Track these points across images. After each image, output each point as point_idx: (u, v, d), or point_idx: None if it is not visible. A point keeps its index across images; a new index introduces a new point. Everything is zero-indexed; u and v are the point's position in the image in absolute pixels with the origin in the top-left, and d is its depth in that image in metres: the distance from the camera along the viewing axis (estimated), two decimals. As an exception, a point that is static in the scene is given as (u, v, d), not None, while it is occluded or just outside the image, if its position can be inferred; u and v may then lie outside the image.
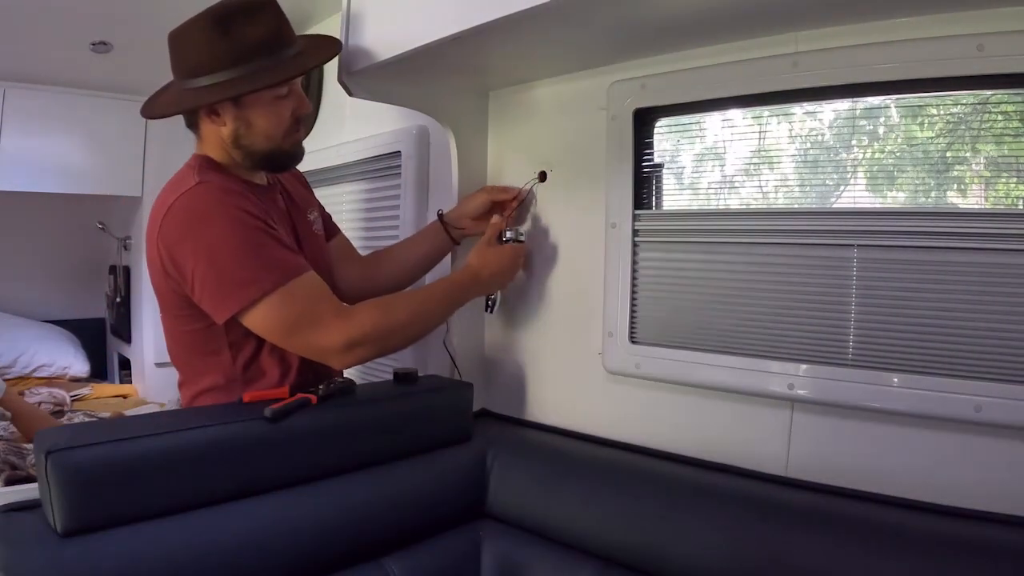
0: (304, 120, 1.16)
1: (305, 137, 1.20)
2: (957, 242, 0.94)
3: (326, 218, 1.42)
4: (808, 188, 1.11)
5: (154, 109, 1.12)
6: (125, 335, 3.16)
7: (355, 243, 1.80)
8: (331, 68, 1.32)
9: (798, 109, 1.11)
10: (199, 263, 1.00)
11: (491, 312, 1.44)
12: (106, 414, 2.42)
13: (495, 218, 1.34)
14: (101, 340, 3.48)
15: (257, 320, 1.04)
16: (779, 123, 1.14)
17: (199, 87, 1.06)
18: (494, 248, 1.29)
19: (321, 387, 1.12)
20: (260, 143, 1.11)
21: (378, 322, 1.09)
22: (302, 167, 1.34)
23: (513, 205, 1.39)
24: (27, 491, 0.94)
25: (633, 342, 1.25)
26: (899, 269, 0.99)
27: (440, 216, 1.42)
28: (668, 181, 1.27)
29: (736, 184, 1.20)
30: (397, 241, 1.49)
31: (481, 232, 1.35)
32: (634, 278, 1.26)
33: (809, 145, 1.11)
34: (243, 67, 1.04)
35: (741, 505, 0.98)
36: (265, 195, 1.17)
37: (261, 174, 1.20)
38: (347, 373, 1.26)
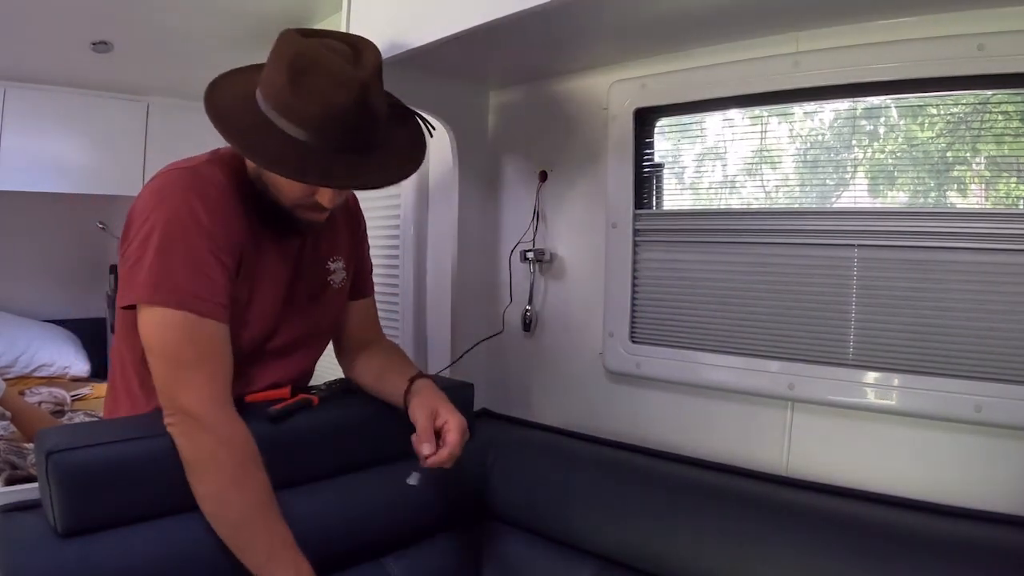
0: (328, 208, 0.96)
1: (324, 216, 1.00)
2: (957, 242, 0.94)
3: (362, 273, 1.20)
4: (808, 188, 1.11)
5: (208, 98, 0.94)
6: (126, 335, 3.15)
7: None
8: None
9: (798, 109, 1.11)
10: (136, 239, 0.92)
11: (529, 332, 1.43)
12: (106, 414, 2.41)
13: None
14: (102, 340, 3.47)
15: (143, 326, 0.92)
16: (779, 123, 1.14)
17: (245, 105, 0.92)
18: None
19: (323, 387, 1.12)
20: (271, 193, 0.97)
21: (218, 463, 0.89)
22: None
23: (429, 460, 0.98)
24: (27, 491, 0.94)
25: (634, 342, 1.25)
26: (899, 269, 0.99)
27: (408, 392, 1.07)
28: (668, 181, 1.27)
29: (737, 184, 1.20)
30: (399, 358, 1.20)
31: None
32: (635, 278, 1.26)
33: (809, 145, 1.11)
34: (289, 123, 0.88)
35: (741, 505, 0.98)
36: (270, 219, 1.00)
37: None
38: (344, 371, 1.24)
